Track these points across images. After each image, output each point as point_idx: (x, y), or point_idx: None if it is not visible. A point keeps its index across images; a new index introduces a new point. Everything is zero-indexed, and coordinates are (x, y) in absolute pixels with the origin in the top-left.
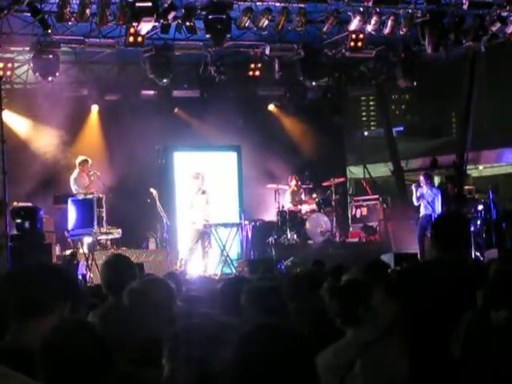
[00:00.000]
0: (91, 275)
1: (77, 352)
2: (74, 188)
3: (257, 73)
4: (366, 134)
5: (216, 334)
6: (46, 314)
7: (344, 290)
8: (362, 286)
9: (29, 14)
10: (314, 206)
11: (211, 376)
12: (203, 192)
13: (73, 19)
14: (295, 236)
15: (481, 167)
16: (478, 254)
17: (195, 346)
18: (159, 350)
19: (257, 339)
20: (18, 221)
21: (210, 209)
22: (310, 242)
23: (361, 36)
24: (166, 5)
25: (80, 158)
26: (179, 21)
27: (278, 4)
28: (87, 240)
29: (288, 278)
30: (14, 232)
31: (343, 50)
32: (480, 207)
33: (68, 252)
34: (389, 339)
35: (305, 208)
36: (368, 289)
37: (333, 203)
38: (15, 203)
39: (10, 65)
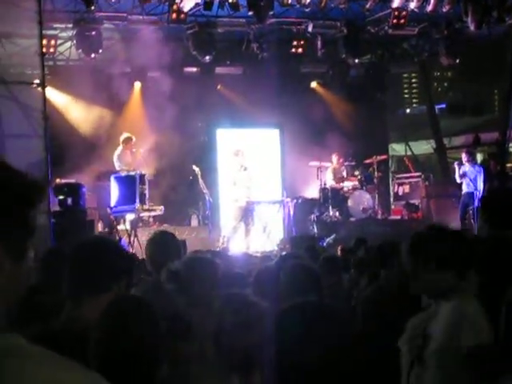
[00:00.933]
0: (134, 252)
1: (136, 332)
2: (117, 165)
3: (299, 50)
4: (408, 111)
5: (247, 315)
6: (104, 292)
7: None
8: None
9: None
10: (356, 183)
11: (243, 354)
12: (245, 169)
13: None
14: (337, 213)
15: None
16: None
17: (226, 328)
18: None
19: (289, 318)
20: (61, 197)
21: (253, 186)
22: (352, 219)
23: (403, 13)
24: None
25: (124, 135)
26: None
27: None
28: (130, 217)
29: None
30: (57, 209)
31: (386, 27)
32: None
33: (106, 229)
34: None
35: (347, 185)
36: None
37: (375, 180)
38: (58, 180)
39: (52, 41)
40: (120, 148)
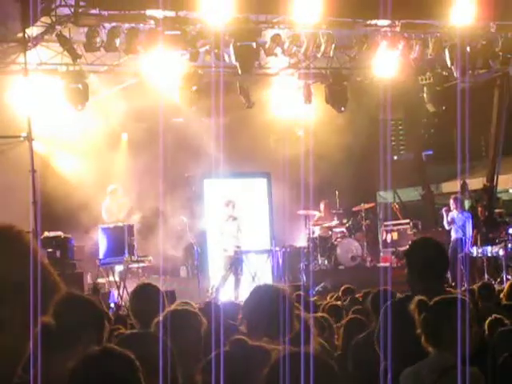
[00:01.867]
0: (123, 303)
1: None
2: (105, 217)
3: (285, 99)
4: (395, 158)
5: (248, 359)
6: (70, 347)
7: (435, 307)
8: (452, 305)
9: (58, 44)
10: (344, 232)
11: None
12: (234, 219)
13: (102, 48)
14: (326, 261)
15: (511, 190)
16: (509, 277)
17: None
18: None
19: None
20: (49, 250)
21: (241, 236)
22: (340, 267)
23: (389, 61)
24: (195, 33)
25: (110, 187)
26: (208, 48)
27: (306, 30)
28: (118, 268)
29: None
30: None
31: (371, 76)
32: (511, 230)
33: (95, 281)
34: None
35: (335, 233)
36: (455, 309)
37: (363, 228)
38: (46, 233)
39: (39, 94)
40: (107, 200)
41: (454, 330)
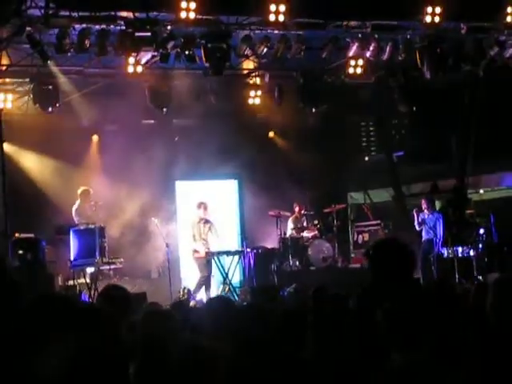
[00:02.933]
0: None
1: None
2: (76, 219)
3: (256, 100)
4: (366, 159)
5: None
6: (47, 346)
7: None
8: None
9: (28, 46)
10: (315, 233)
11: None
12: (206, 221)
13: (72, 50)
14: (297, 263)
15: (481, 191)
16: (480, 277)
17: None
18: None
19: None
20: (20, 252)
21: (212, 237)
22: (312, 268)
23: (360, 62)
24: (165, 34)
25: (81, 189)
26: (178, 50)
27: (276, 31)
28: (90, 270)
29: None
30: (16, 263)
31: (342, 76)
32: (481, 231)
33: (66, 284)
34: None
35: (306, 235)
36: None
37: (334, 229)
38: (17, 234)
39: (10, 96)
40: (78, 202)
41: None
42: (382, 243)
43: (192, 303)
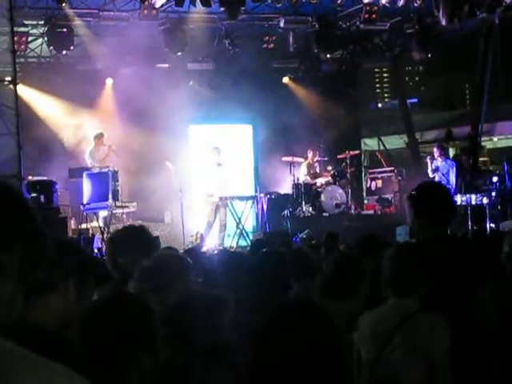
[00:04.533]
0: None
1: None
2: (89, 162)
3: (271, 45)
4: (380, 106)
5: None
6: (50, 291)
7: (404, 255)
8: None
9: None
10: (329, 179)
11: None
12: (219, 165)
13: None
14: (310, 208)
15: (495, 139)
16: (493, 225)
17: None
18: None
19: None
20: (33, 195)
21: (226, 181)
22: (325, 214)
23: (375, 8)
24: None
25: (96, 132)
26: None
27: None
28: (103, 214)
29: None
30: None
31: (357, 23)
32: (495, 179)
33: (79, 227)
34: (430, 312)
35: (320, 181)
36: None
37: (348, 176)
38: (30, 177)
39: (24, 38)
40: (92, 145)
41: (419, 277)
42: (427, 186)
43: (204, 248)
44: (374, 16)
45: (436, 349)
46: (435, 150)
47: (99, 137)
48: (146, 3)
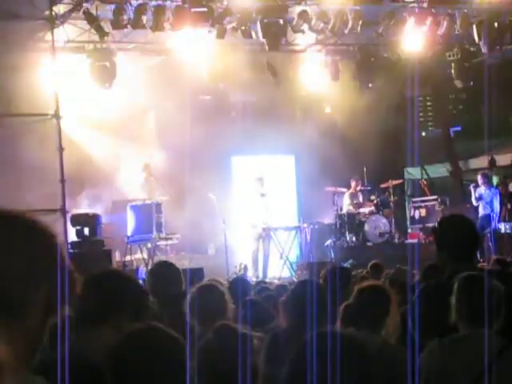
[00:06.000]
0: None
1: (149, 364)
2: (142, 194)
3: (313, 75)
4: (423, 134)
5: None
6: (103, 323)
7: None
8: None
9: (85, 22)
10: (372, 208)
11: None
12: (263, 195)
13: (128, 26)
14: (354, 238)
15: None
16: None
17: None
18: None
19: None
20: (78, 228)
21: (270, 212)
22: (368, 243)
23: (417, 37)
24: (222, 9)
25: (144, 163)
26: (234, 25)
27: (333, 6)
28: (147, 246)
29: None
30: (74, 239)
31: (399, 51)
32: None
33: (123, 259)
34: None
35: (363, 210)
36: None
37: (391, 205)
38: (74, 210)
39: (67, 72)
40: (143, 176)
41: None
42: (449, 218)
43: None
44: (415, 45)
45: None
46: (479, 177)
47: (148, 168)
48: (188, 36)
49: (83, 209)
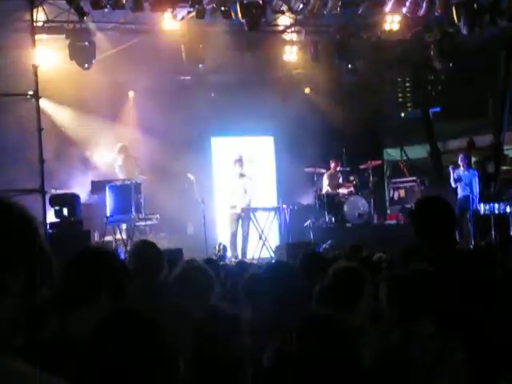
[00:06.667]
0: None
1: (132, 346)
2: (120, 174)
3: (292, 57)
4: (402, 115)
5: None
6: (86, 303)
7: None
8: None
9: (64, 2)
10: (351, 189)
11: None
12: (241, 176)
13: (108, 6)
14: (333, 219)
15: None
16: None
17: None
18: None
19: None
20: (57, 208)
21: (249, 193)
22: (348, 224)
23: (396, 18)
24: None
25: (119, 145)
26: (214, 5)
27: None
28: (125, 226)
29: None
30: (53, 219)
31: (379, 33)
32: None
33: (102, 239)
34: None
35: (342, 191)
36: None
37: (370, 186)
38: (53, 190)
39: (46, 52)
40: (121, 157)
41: None
42: (424, 201)
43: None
44: (395, 26)
45: None
46: (460, 158)
47: (124, 149)
48: (167, 16)
49: (62, 189)
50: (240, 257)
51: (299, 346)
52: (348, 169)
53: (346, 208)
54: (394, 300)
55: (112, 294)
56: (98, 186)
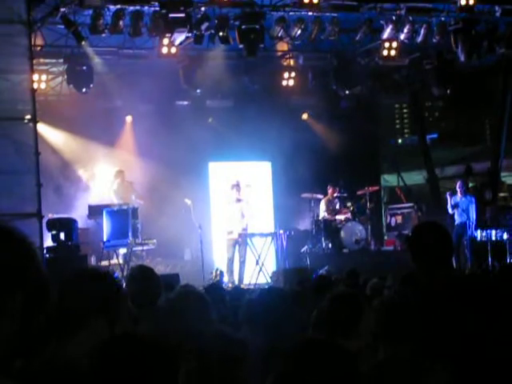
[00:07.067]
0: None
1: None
2: (116, 199)
3: (290, 82)
4: (400, 141)
5: (225, 352)
6: (83, 328)
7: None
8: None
9: (62, 26)
10: (348, 215)
11: None
12: (238, 201)
13: (106, 31)
14: (330, 245)
15: None
16: None
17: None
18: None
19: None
20: (54, 232)
21: (246, 218)
22: (344, 250)
23: (394, 44)
24: (199, 15)
25: (117, 170)
26: (212, 31)
27: (310, 13)
28: (122, 251)
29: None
30: (50, 244)
31: (376, 59)
32: None
33: (103, 263)
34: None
35: (339, 217)
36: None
37: (367, 212)
38: (50, 215)
39: (44, 77)
40: (117, 182)
41: None
42: (421, 227)
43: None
44: (392, 52)
45: None
46: (458, 184)
47: (121, 174)
48: (165, 41)
49: (59, 213)
50: (237, 282)
51: (296, 370)
52: (345, 195)
53: (342, 234)
54: (380, 324)
55: (108, 317)
56: (95, 211)
